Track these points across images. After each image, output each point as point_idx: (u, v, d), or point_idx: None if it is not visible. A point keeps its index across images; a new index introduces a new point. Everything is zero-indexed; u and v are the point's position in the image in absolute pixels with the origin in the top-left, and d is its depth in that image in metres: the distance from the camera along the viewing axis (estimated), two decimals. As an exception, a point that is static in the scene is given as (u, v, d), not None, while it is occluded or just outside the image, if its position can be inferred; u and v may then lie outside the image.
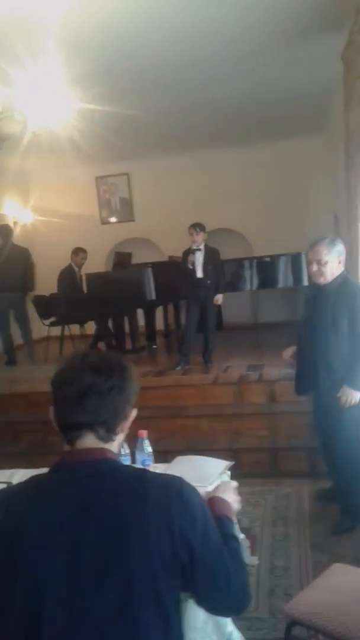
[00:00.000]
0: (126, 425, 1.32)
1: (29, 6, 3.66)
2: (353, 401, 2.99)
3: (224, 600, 1.26)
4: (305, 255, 6.61)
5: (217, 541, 1.26)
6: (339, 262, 3.07)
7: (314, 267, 3.06)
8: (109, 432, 1.27)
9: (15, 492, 1.27)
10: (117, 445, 1.31)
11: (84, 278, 7.01)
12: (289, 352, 3.48)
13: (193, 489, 1.27)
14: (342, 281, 3.07)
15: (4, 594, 1.13)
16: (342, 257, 3.07)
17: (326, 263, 3.03)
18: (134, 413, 1.33)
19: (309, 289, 3.23)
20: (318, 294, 3.18)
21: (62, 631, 1.11)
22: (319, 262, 3.03)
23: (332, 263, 3.04)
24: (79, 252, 7.09)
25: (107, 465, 1.25)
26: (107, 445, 1.27)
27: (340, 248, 3.07)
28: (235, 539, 1.38)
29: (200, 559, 1.20)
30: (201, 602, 1.27)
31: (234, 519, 1.52)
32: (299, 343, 3.38)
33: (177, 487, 1.24)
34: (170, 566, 1.16)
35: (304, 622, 1.83)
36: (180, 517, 1.18)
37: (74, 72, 4.60)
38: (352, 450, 3.07)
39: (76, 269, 7.08)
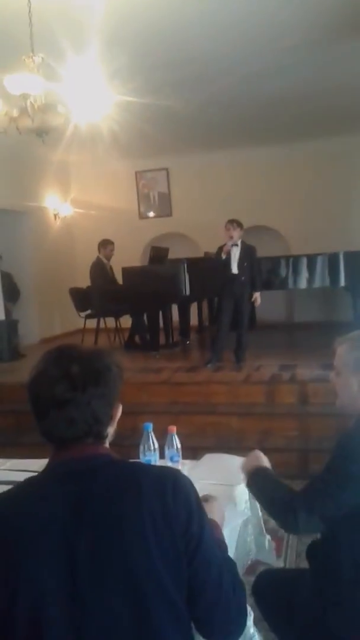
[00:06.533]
0: (114, 422, 1.28)
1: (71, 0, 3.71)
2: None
3: (215, 602, 1.19)
4: (343, 255, 6.56)
5: (212, 536, 1.24)
6: None
7: (332, 376, 1.78)
8: (97, 438, 1.23)
9: (7, 497, 1.21)
10: (109, 440, 1.28)
11: (113, 270, 7.11)
12: None
13: (188, 481, 1.23)
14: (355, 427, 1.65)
15: (3, 606, 1.08)
16: None
17: (339, 374, 1.73)
18: (119, 410, 1.28)
19: None
20: None
21: (67, 638, 1.08)
22: (335, 370, 1.76)
23: (347, 378, 1.69)
24: (107, 245, 7.10)
25: (100, 461, 1.21)
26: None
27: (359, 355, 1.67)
28: (231, 560, 1.34)
29: (195, 548, 1.16)
30: (191, 606, 1.19)
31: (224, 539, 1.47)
32: None
33: (172, 478, 1.21)
34: (170, 558, 1.13)
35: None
36: (175, 506, 1.15)
37: (114, 65, 4.63)
38: None
39: (105, 261, 7.12)
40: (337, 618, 1.60)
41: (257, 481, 1.80)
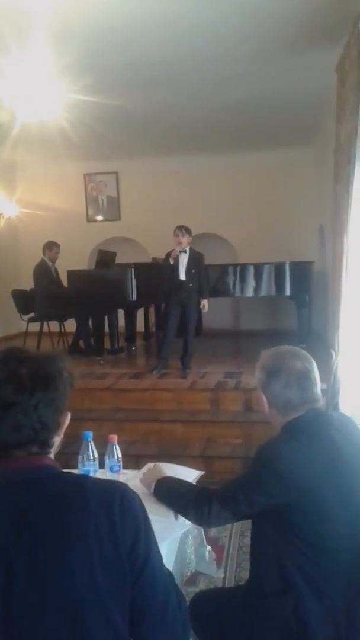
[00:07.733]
0: (61, 431, 1.23)
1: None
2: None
3: (161, 622, 1.16)
4: (289, 265, 6.69)
5: (159, 553, 1.21)
6: (268, 404, 1.72)
7: None
8: (43, 447, 1.18)
9: None
10: (54, 451, 1.23)
11: (59, 272, 6.95)
12: None
13: (137, 497, 1.20)
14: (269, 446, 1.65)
15: None
16: (267, 399, 1.73)
17: (258, 396, 1.78)
18: (68, 418, 1.24)
19: None
20: None
21: None
22: None
23: (259, 394, 1.76)
24: (52, 247, 6.92)
25: (44, 472, 1.15)
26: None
27: (262, 377, 1.76)
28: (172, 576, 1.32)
29: (142, 568, 1.13)
30: (136, 625, 1.15)
31: None
32: None
33: (119, 494, 1.16)
34: (114, 578, 1.08)
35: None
36: (122, 524, 1.11)
37: (63, 62, 4.51)
38: None
39: (50, 263, 6.94)
40: (266, 633, 1.59)
41: (164, 487, 1.90)
